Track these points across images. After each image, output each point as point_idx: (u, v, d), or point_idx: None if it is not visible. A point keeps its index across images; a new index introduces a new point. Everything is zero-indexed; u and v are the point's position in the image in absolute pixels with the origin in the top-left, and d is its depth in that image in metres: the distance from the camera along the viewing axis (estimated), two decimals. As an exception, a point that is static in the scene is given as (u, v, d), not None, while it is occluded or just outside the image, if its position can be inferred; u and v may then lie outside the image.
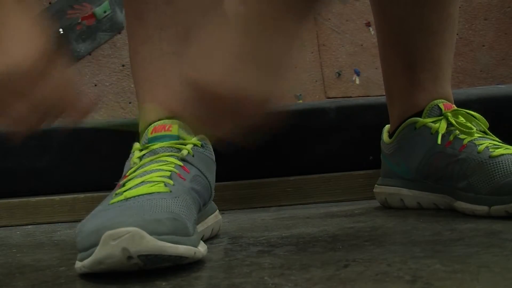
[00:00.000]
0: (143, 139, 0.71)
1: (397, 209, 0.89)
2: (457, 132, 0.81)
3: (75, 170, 1.08)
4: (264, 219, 0.88)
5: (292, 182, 1.06)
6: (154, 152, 0.67)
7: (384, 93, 0.93)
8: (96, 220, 0.54)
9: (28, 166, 1.08)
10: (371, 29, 2.00)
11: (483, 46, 2.07)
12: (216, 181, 0.75)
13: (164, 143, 0.68)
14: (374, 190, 0.93)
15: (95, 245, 0.51)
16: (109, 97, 1.85)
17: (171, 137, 0.69)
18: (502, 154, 0.76)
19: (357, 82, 2.01)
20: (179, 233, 0.53)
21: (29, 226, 0.99)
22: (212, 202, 0.75)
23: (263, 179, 1.07)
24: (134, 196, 0.58)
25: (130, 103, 1.85)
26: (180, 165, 0.66)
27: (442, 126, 0.82)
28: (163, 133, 0.69)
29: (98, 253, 0.51)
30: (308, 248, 0.63)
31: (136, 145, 0.70)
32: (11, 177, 1.07)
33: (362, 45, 2.01)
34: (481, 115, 0.84)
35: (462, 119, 0.83)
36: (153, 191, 0.59)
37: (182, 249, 0.53)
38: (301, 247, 0.64)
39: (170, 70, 0.72)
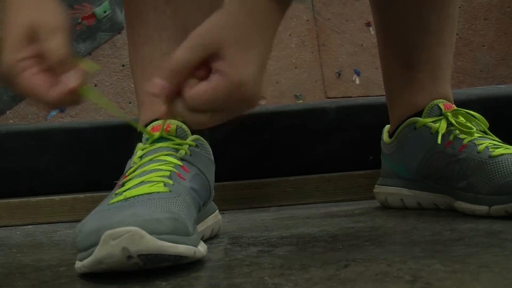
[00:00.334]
0: (143, 139, 0.71)
1: (397, 209, 0.89)
2: (457, 132, 0.81)
3: (75, 170, 1.08)
4: (264, 219, 0.88)
5: (292, 182, 1.06)
6: (153, 151, 0.67)
7: (384, 93, 0.93)
8: (96, 220, 0.54)
9: (28, 166, 1.08)
10: (371, 29, 2.00)
11: (483, 46, 2.07)
12: (216, 181, 0.75)
13: (163, 143, 0.68)
14: (374, 190, 0.93)
15: (95, 244, 0.51)
16: (109, 97, 1.85)
17: (170, 137, 0.69)
18: (502, 154, 0.76)
19: (357, 82, 2.01)
20: (179, 232, 0.53)
21: (29, 226, 0.99)
22: (212, 202, 0.75)
23: (263, 179, 1.07)
24: (133, 196, 0.58)
25: (130, 103, 1.85)
26: (179, 165, 0.66)
27: (442, 126, 0.82)
28: (161, 133, 0.69)
29: (98, 252, 0.51)
30: (308, 248, 0.63)
31: (140, 145, 0.70)
32: (11, 177, 1.07)
33: (362, 45, 2.01)
34: (481, 115, 0.84)
35: (462, 119, 0.83)
36: (153, 191, 0.59)
37: (182, 248, 0.53)
38: (301, 247, 0.64)
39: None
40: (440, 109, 0.84)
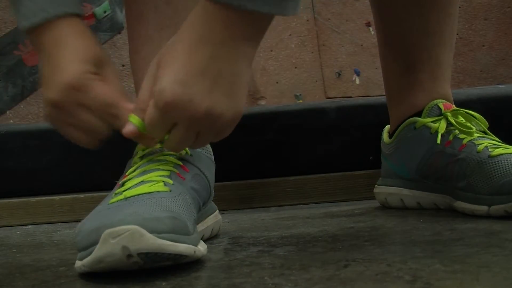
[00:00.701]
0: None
1: (397, 209, 0.89)
2: (457, 131, 0.81)
3: (75, 170, 1.08)
4: (264, 219, 0.88)
5: (292, 182, 1.06)
6: (153, 151, 0.68)
7: (384, 93, 0.93)
8: (95, 219, 0.54)
9: (28, 166, 1.08)
10: (371, 29, 2.00)
11: (483, 46, 2.07)
12: (216, 181, 0.75)
13: (163, 143, 0.68)
14: (374, 190, 0.93)
15: (95, 243, 0.51)
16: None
17: None
18: (502, 154, 0.76)
19: (357, 82, 2.01)
20: (179, 231, 0.53)
21: (29, 226, 0.99)
22: (212, 202, 0.75)
23: (263, 179, 1.07)
24: (133, 196, 0.58)
25: (130, 103, 1.85)
26: (179, 165, 0.66)
27: (441, 126, 0.82)
28: None
29: (98, 251, 0.51)
30: (308, 248, 0.63)
31: (140, 145, 0.70)
32: (11, 177, 1.07)
33: (362, 45, 2.01)
34: (481, 115, 0.84)
35: (462, 119, 0.83)
36: (153, 190, 0.59)
37: (182, 247, 0.53)
38: (301, 247, 0.64)
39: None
40: (440, 109, 0.84)
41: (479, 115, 0.84)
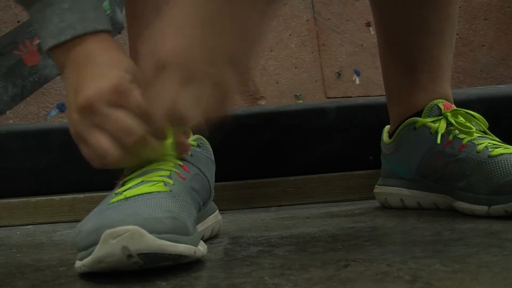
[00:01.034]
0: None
1: (397, 209, 0.89)
2: (457, 131, 0.81)
3: (75, 170, 1.07)
4: (264, 219, 0.88)
5: (292, 182, 1.06)
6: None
7: (384, 93, 0.93)
8: (95, 220, 0.54)
9: (28, 166, 1.08)
10: (371, 29, 2.00)
11: (483, 46, 2.07)
12: (216, 181, 0.75)
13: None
14: (374, 190, 0.93)
15: (95, 244, 0.51)
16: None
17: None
18: (501, 154, 0.76)
19: (357, 82, 2.01)
20: (179, 232, 0.53)
21: (29, 226, 0.99)
22: (212, 202, 0.75)
23: (263, 179, 1.07)
24: (133, 196, 0.58)
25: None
26: (179, 165, 0.66)
27: (441, 126, 0.82)
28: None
29: (98, 251, 0.51)
30: (308, 248, 0.63)
31: None
32: (11, 177, 1.07)
33: (362, 45, 2.01)
34: (481, 115, 0.84)
35: (462, 119, 0.83)
36: (153, 190, 0.59)
37: (182, 247, 0.53)
38: (301, 247, 0.64)
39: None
40: (440, 109, 0.84)
41: (479, 115, 0.84)
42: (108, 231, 0.50)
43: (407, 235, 0.67)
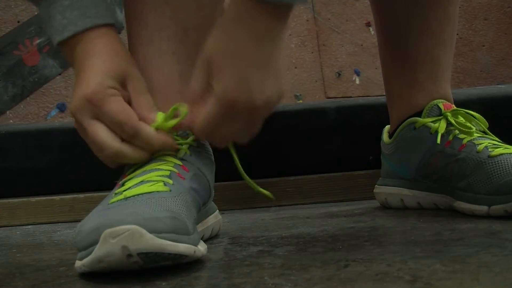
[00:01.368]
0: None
1: (397, 209, 0.89)
2: (457, 132, 0.81)
3: (75, 170, 1.08)
4: (264, 219, 0.88)
5: (292, 182, 1.06)
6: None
7: (384, 93, 0.93)
8: (95, 219, 0.54)
9: (28, 166, 1.08)
10: (371, 29, 2.00)
11: (483, 46, 2.07)
12: (217, 181, 0.75)
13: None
14: (374, 190, 0.93)
15: (94, 243, 0.51)
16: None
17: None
18: (501, 154, 0.76)
19: (357, 82, 2.01)
20: (179, 231, 0.53)
21: (29, 226, 0.99)
22: (212, 202, 0.75)
23: (263, 179, 1.06)
24: (133, 195, 0.58)
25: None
26: (179, 165, 0.66)
27: (441, 126, 0.82)
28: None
29: (98, 251, 0.51)
30: (308, 248, 0.63)
31: None
32: (11, 177, 1.07)
33: (362, 45, 2.01)
34: (481, 115, 0.84)
35: (462, 119, 0.83)
36: (153, 190, 0.59)
37: (182, 247, 0.53)
38: (301, 247, 0.64)
39: (169, 70, 0.72)
40: (440, 109, 0.84)
41: (479, 115, 0.84)
42: (108, 230, 0.50)
43: (407, 235, 0.67)
